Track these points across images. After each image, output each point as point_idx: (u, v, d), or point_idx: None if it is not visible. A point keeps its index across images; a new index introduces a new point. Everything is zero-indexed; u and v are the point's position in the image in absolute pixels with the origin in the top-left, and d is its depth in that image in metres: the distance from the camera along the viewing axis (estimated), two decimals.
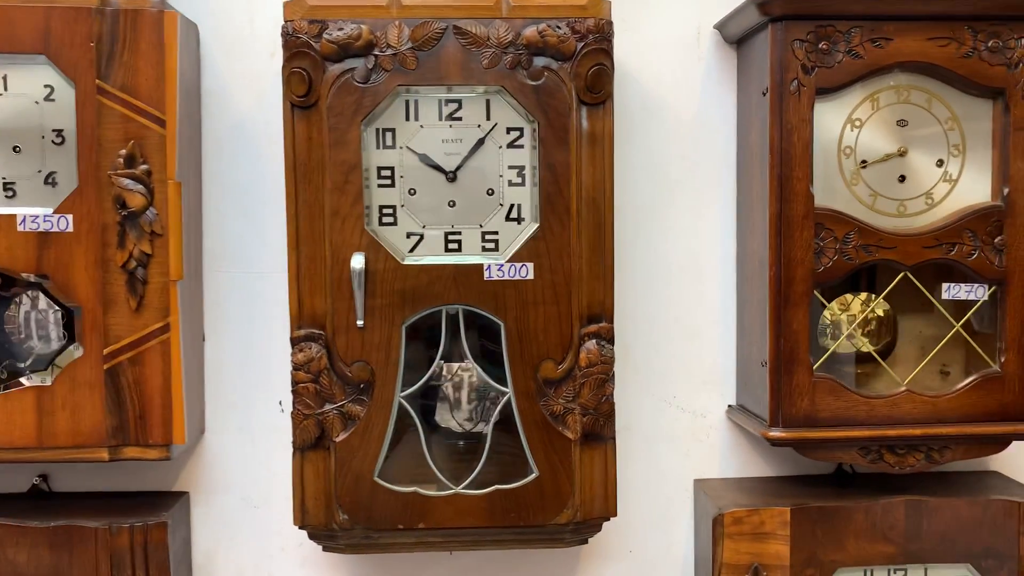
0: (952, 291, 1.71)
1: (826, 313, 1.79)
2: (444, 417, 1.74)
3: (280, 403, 1.85)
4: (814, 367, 1.69)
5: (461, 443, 1.75)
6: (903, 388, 1.70)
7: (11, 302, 1.67)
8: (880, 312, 1.81)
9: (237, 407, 1.85)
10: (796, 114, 1.65)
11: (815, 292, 1.68)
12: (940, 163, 1.71)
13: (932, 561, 1.71)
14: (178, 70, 1.59)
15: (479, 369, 1.67)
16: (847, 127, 1.70)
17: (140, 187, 1.57)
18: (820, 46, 1.64)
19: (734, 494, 1.81)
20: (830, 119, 1.69)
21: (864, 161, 1.71)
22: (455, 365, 1.72)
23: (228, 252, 1.84)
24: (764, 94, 1.69)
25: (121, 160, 1.57)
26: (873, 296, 1.78)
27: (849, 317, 1.80)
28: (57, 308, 1.66)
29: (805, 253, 1.66)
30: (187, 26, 1.70)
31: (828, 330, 1.80)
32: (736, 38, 1.83)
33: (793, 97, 1.65)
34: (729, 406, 1.90)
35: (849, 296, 1.80)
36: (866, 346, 1.80)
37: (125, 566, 1.62)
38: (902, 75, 1.69)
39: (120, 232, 1.58)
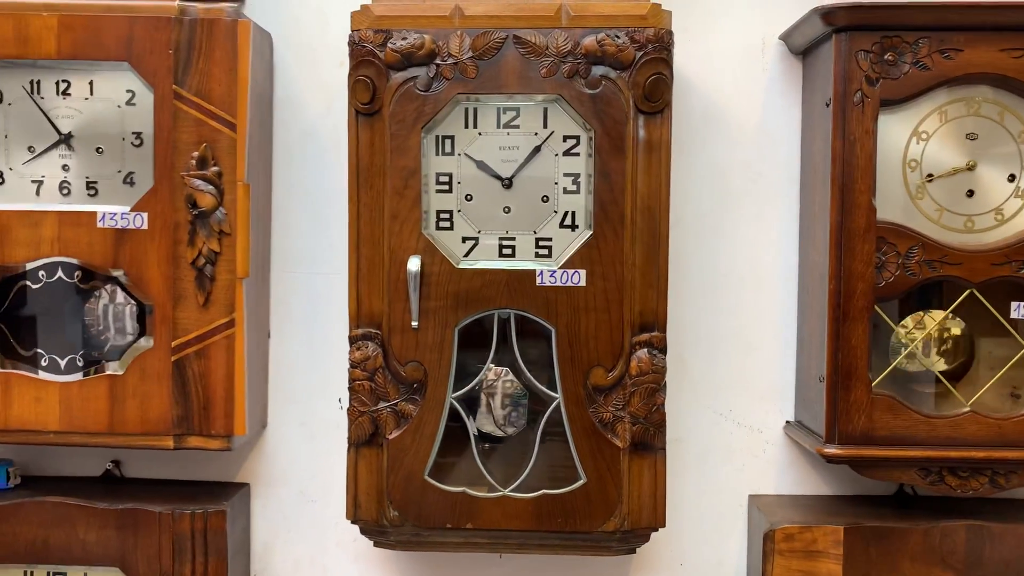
0: (1022, 310, 1.65)
1: (899, 330, 1.74)
2: (492, 418, 1.76)
3: (340, 400, 1.91)
4: (874, 383, 1.65)
5: (510, 447, 1.76)
6: (967, 409, 1.65)
7: (91, 296, 1.77)
8: (956, 331, 1.75)
9: (299, 403, 1.91)
10: (859, 126, 1.62)
11: (876, 307, 1.65)
12: (1012, 178, 1.66)
13: None
14: (250, 77, 1.66)
15: (529, 374, 1.69)
16: (913, 140, 1.66)
17: (210, 188, 1.65)
18: (886, 57, 1.61)
19: (788, 511, 1.78)
20: (895, 131, 1.66)
21: (930, 175, 1.66)
22: (506, 369, 1.74)
23: (295, 253, 1.90)
24: (827, 105, 1.66)
25: (194, 162, 1.65)
26: (950, 316, 1.73)
27: (924, 336, 1.74)
28: (132, 302, 1.75)
29: (866, 267, 1.63)
30: (260, 35, 1.77)
31: (901, 348, 1.74)
32: (801, 49, 1.81)
33: (856, 109, 1.62)
34: (787, 422, 1.87)
35: (921, 313, 1.74)
36: (939, 365, 1.74)
37: (186, 549, 1.69)
38: (972, 87, 1.64)
39: (191, 230, 1.66)
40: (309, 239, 1.90)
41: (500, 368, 1.73)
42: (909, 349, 1.73)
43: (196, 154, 1.65)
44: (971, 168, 1.66)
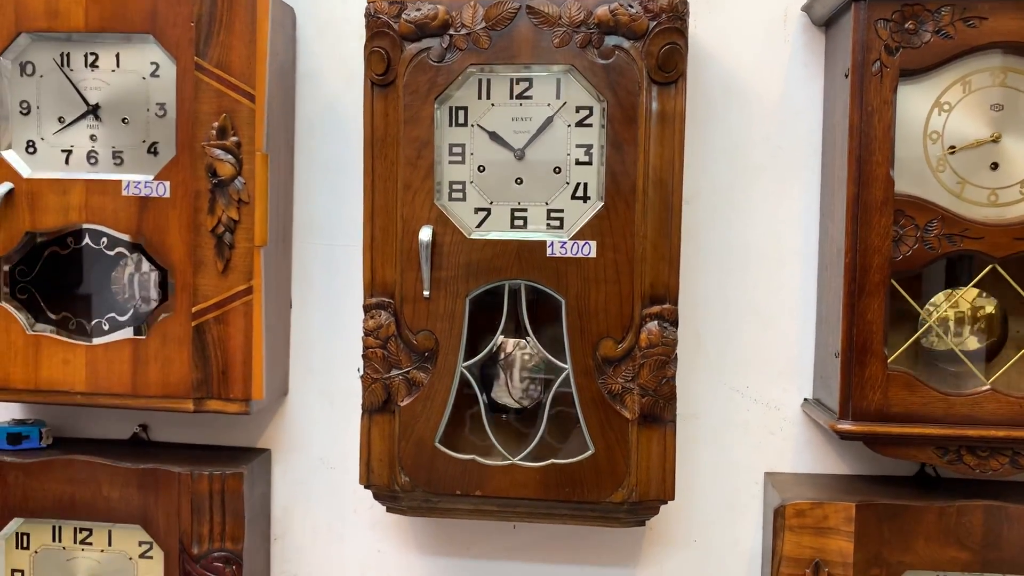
0: None
1: (928, 307, 1.69)
2: (509, 390, 1.77)
3: (358, 369, 1.93)
4: (891, 359, 1.62)
5: (519, 416, 1.78)
6: (987, 387, 1.61)
7: (117, 263, 1.82)
8: (990, 309, 1.71)
9: (318, 371, 1.95)
10: (877, 96, 1.59)
11: (892, 282, 1.61)
12: None
13: (1012, 572, 1.61)
14: (269, 50, 1.69)
15: (539, 344, 1.69)
16: (934, 111, 1.62)
17: (230, 157, 1.69)
18: (906, 26, 1.58)
19: (803, 488, 1.75)
20: (916, 102, 1.62)
21: (952, 147, 1.62)
22: (515, 340, 1.75)
23: (316, 224, 1.94)
24: (846, 76, 1.63)
25: (214, 132, 1.69)
26: (983, 294, 1.68)
27: (957, 314, 1.70)
28: (156, 269, 1.80)
29: (883, 240, 1.60)
30: (282, 9, 1.80)
31: (934, 328, 1.69)
32: (824, 20, 1.77)
33: (875, 79, 1.59)
34: (805, 399, 1.85)
35: (951, 291, 1.70)
36: (971, 344, 1.69)
37: (204, 509, 1.74)
38: (997, 56, 1.59)
39: (211, 199, 1.70)
40: (329, 210, 1.93)
41: (518, 339, 1.74)
42: (928, 324, 1.68)
43: (216, 124, 1.69)
44: (996, 140, 1.62)
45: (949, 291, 1.70)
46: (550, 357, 1.69)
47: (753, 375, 1.86)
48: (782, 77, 1.83)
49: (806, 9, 1.79)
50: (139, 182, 1.71)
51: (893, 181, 1.59)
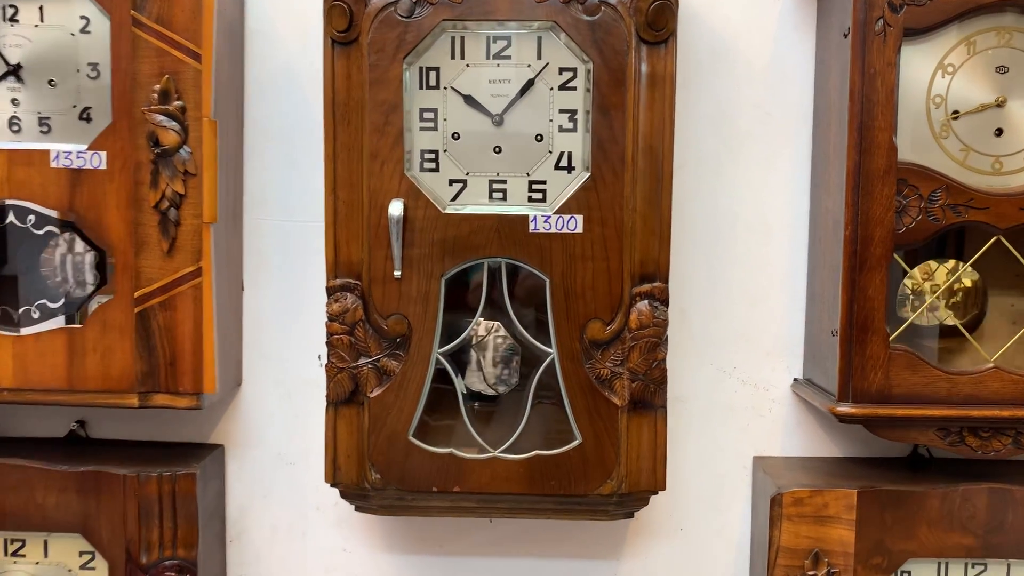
0: None
1: (907, 281, 1.63)
2: (483, 376, 1.65)
3: (319, 357, 1.79)
4: (891, 338, 1.53)
5: (501, 405, 1.65)
6: (991, 365, 1.54)
7: (47, 243, 1.63)
8: (967, 282, 1.64)
9: (275, 360, 1.79)
10: (880, 57, 1.49)
11: (895, 256, 1.52)
12: None
13: (1016, 557, 1.55)
14: (216, 3, 1.51)
15: (522, 328, 1.57)
16: (938, 73, 1.53)
17: (174, 124, 1.51)
18: None
19: (796, 473, 1.67)
20: (919, 64, 1.53)
21: (956, 112, 1.54)
22: (496, 323, 1.62)
23: (270, 199, 1.77)
24: (845, 36, 1.53)
25: (155, 96, 1.51)
26: (960, 264, 1.62)
27: (932, 286, 1.63)
28: (92, 250, 1.62)
29: (885, 212, 1.51)
30: None
31: (909, 300, 1.64)
32: None
33: (878, 38, 1.49)
34: (795, 380, 1.76)
35: (933, 263, 1.64)
36: (951, 319, 1.63)
37: (153, 514, 1.57)
38: (1005, 15, 1.51)
39: (153, 171, 1.52)
40: (285, 183, 1.77)
41: (491, 323, 1.61)
42: (930, 301, 1.61)
43: (158, 87, 1.51)
44: (1000, 104, 1.53)
45: (930, 264, 1.62)
46: (533, 341, 1.56)
47: (740, 355, 1.77)
48: (771, 38, 1.72)
49: None
50: (70, 152, 1.53)
51: (896, 148, 1.50)
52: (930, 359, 1.56)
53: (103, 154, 1.52)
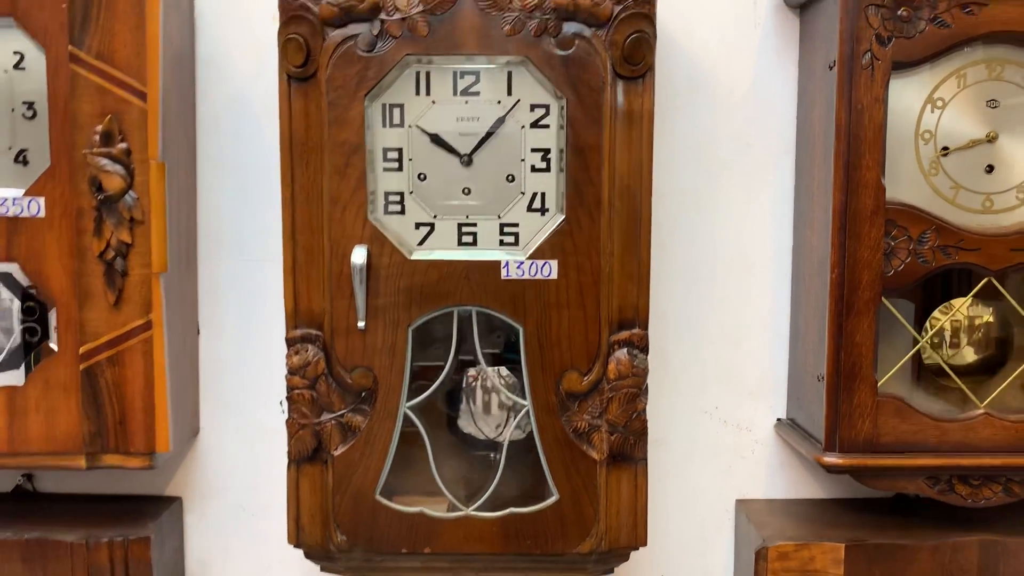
0: None
1: (931, 322, 1.55)
2: (455, 426, 1.57)
3: (281, 403, 1.70)
4: (880, 383, 1.47)
5: (472, 458, 1.57)
6: (981, 411, 1.48)
7: None
8: (988, 318, 1.57)
9: (234, 406, 1.70)
10: (868, 92, 1.42)
11: (883, 299, 1.46)
12: None
13: None
14: (161, 35, 1.41)
15: (494, 379, 1.49)
16: (927, 108, 1.46)
17: (118, 168, 1.41)
18: (900, 13, 1.41)
19: (780, 520, 1.61)
20: (907, 98, 1.46)
21: (946, 148, 1.47)
22: (468, 371, 1.54)
23: (226, 238, 1.67)
24: (831, 68, 1.46)
25: (97, 137, 1.40)
26: (980, 303, 1.55)
27: (953, 324, 1.56)
28: (33, 302, 1.51)
29: (873, 254, 1.44)
30: None
31: (928, 336, 1.55)
32: (799, 2, 1.59)
33: (865, 72, 1.42)
34: (778, 420, 1.70)
35: (957, 301, 1.56)
36: (967, 356, 1.57)
37: None
38: (996, 48, 1.45)
39: (97, 218, 1.42)
40: (240, 220, 1.67)
41: (477, 369, 1.53)
42: (920, 345, 1.55)
43: (100, 128, 1.40)
44: (991, 140, 1.47)
45: (946, 305, 1.56)
46: (507, 392, 1.48)
47: (722, 395, 1.70)
48: (752, 66, 1.65)
49: None
50: (5, 199, 1.42)
51: (884, 188, 1.43)
52: (940, 403, 1.50)
53: (41, 200, 1.41)
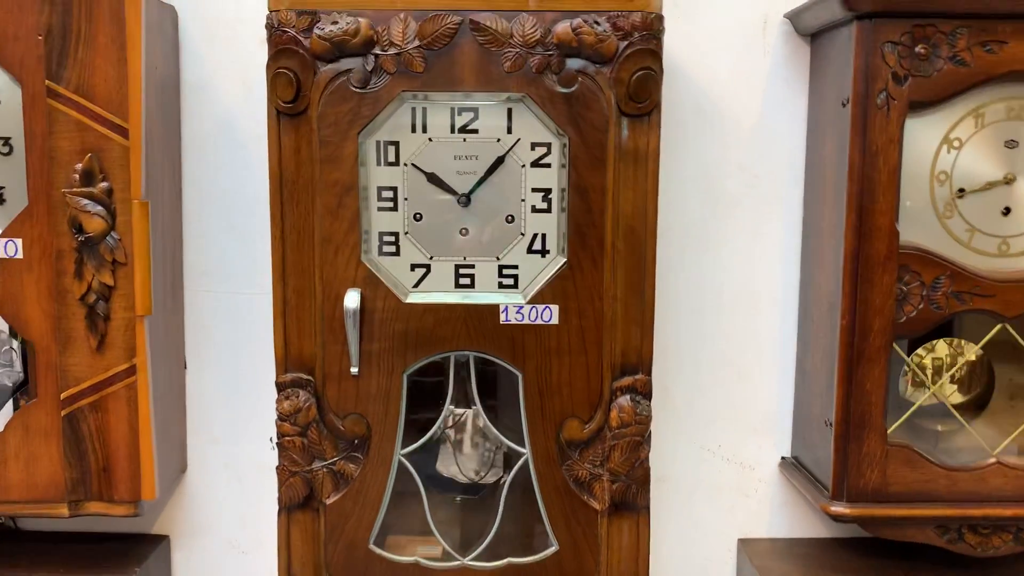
0: None
1: (911, 360, 1.51)
2: (450, 472, 1.52)
3: (271, 439, 1.65)
4: (890, 431, 1.43)
5: (470, 507, 1.53)
6: (992, 459, 1.44)
7: None
8: (971, 357, 1.54)
9: (222, 442, 1.65)
10: (883, 133, 1.36)
11: (894, 345, 1.41)
12: None
13: None
14: (144, 67, 1.34)
15: (492, 427, 1.44)
16: (943, 148, 1.41)
17: (99, 208, 1.34)
18: (917, 50, 1.35)
19: (783, 562, 1.57)
20: (923, 138, 1.40)
21: (962, 189, 1.42)
22: (464, 413, 1.49)
23: (213, 269, 1.61)
24: (844, 105, 1.40)
25: (77, 176, 1.34)
26: (963, 342, 1.51)
27: (935, 361, 1.52)
28: (12, 347, 1.45)
29: (885, 300, 1.39)
30: (160, 10, 1.45)
31: (907, 374, 1.52)
32: (812, 31, 1.53)
33: (880, 112, 1.36)
34: (782, 458, 1.66)
35: (935, 343, 1.52)
36: (953, 396, 1.53)
37: None
38: (1015, 86, 1.39)
39: (77, 260, 1.36)
40: (230, 253, 1.61)
41: (473, 412, 1.48)
42: (934, 388, 1.50)
43: (80, 166, 1.34)
44: (1009, 181, 1.42)
45: (931, 344, 1.52)
46: (505, 440, 1.44)
47: (725, 432, 1.66)
48: (760, 95, 1.59)
49: (791, 17, 1.54)
50: None
51: (898, 233, 1.38)
52: (932, 442, 1.46)
53: (19, 241, 1.35)
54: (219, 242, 1.60)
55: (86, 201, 1.34)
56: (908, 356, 1.50)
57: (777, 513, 1.67)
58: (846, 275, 1.40)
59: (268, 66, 1.34)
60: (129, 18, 1.31)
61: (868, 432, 1.42)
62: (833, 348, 1.43)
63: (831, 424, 1.44)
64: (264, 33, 1.53)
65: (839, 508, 1.43)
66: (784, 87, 1.58)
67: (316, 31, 1.32)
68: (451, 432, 1.51)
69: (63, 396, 1.38)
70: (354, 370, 1.38)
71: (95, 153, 1.33)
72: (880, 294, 1.39)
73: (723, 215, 1.61)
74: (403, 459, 1.42)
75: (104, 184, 1.34)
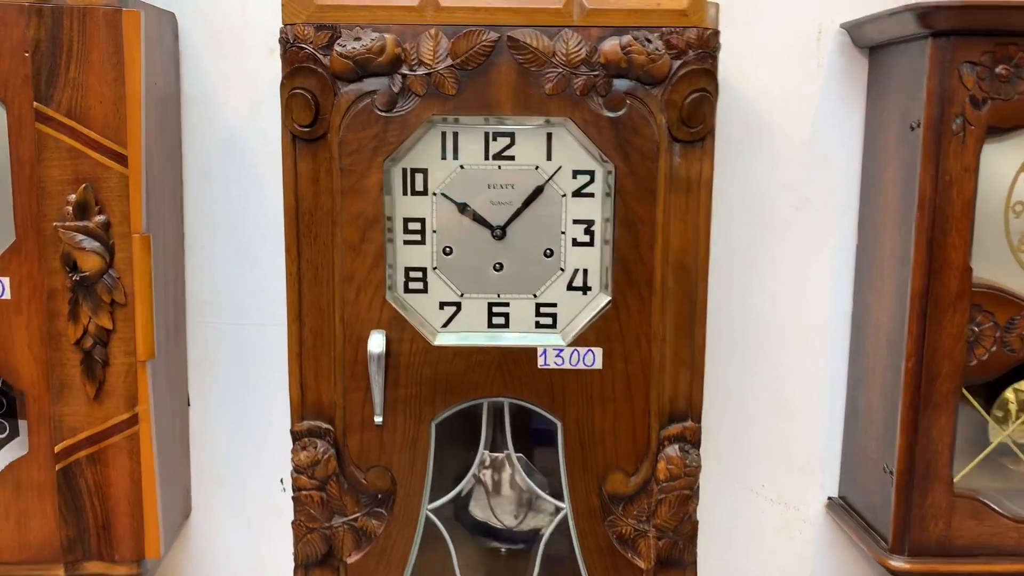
0: None
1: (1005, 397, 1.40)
2: (483, 516, 1.41)
3: (282, 481, 1.53)
4: (956, 479, 1.33)
5: (501, 557, 1.42)
6: None
7: None
8: None
9: (229, 484, 1.53)
10: (958, 161, 1.25)
11: (963, 391, 1.31)
12: None
13: None
14: (144, 85, 1.20)
15: (528, 479, 1.32)
16: (1020, 176, 1.29)
17: (95, 244, 1.21)
18: (997, 71, 1.23)
19: None
20: (999, 166, 1.29)
21: None
22: (499, 457, 1.38)
23: (217, 299, 1.48)
24: (913, 128, 1.28)
25: (70, 208, 1.20)
26: None
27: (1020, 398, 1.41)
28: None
29: (955, 343, 1.28)
30: (159, 20, 1.30)
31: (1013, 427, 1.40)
32: (872, 43, 1.41)
33: (955, 139, 1.24)
34: (829, 499, 1.55)
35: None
36: None
37: None
38: None
39: (72, 301, 1.22)
40: (234, 280, 1.48)
41: (506, 459, 1.37)
42: (1009, 431, 1.40)
43: (73, 197, 1.20)
44: None
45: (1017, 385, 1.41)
46: (543, 494, 1.32)
47: (770, 471, 1.55)
48: (812, 110, 1.47)
49: (849, 28, 1.42)
50: None
51: (971, 270, 1.27)
52: (1011, 480, 1.36)
53: (5, 280, 1.22)
54: (224, 270, 1.47)
55: (81, 236, 1.20)
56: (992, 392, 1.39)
57: (823, 556, 1.57)
58: (913, 315, 1.28)
59: (283, 85, 1.20)
60: (127, 32, 1.17)
61: (934, 483, 1.31)
62: (895, 390, 1.32)
63: (891, 472, 1.34)
64: (273, 42, 1.40)
65: (900, 563, 1.33)
66: (839, 103, 1.46)
67: (337, 48, 1.19)
68: (487, 472, 1.40)
69: (57, 449, 1.26)
70: (378, 419, 1.26)
71: (90, 183, 1.20)
72: (950, 336, 1.28)
73: (771, 239, 1.49)
74: (431, 514, 1.30)
75: (100, 217, 1.21)
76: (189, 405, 1.50)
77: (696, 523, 1.32)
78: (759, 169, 1.48)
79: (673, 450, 1.29)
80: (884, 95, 1.39)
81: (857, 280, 1.48)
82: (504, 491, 1.41)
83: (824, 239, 1.49)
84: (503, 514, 1.42)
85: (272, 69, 1.42)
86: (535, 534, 1.37)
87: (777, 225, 1.49)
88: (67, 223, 1.20)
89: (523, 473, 1.32)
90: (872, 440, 1.42)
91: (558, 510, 1.31)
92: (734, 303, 1.51)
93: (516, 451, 1.33)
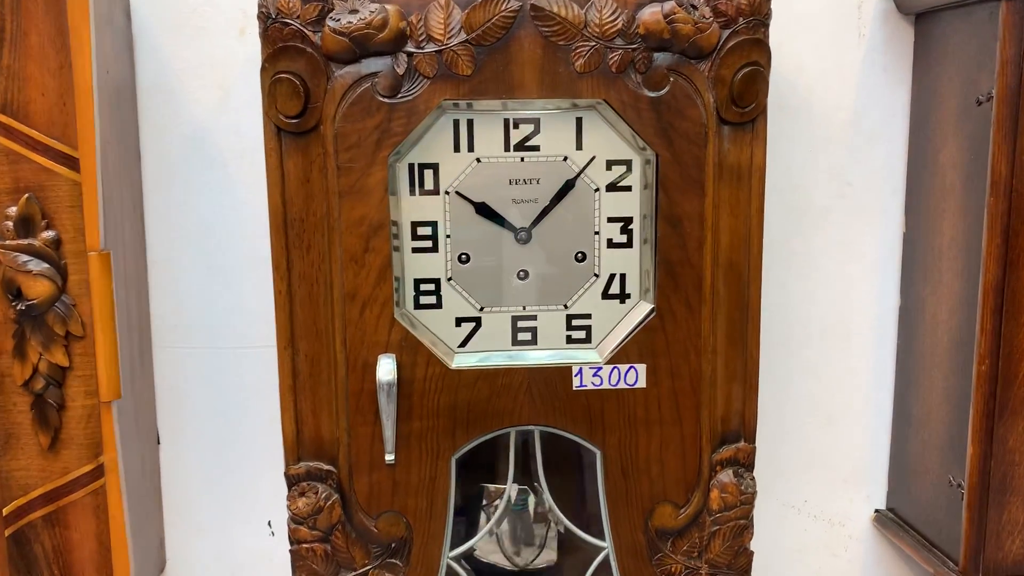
0: None
1: None
2: (492, 543, 1.25)
3: (270, 523, 1.34)
4: None
5: None
6: None
7: None
8: None
9: (208, 531, 1.34)
10: None
11: None
12: None
13: None
14: (95, 71, 1.00)
15: (563, 516, 1.16)
16: None
17: (44, 266, 1.01)
18: None
19: None
20: None
21: None
22: (527, 494, 1.21)
23: (186, 321, 1.29)
24: (980, 103, 1.14)
25: (11, 224, 0.99)
26: None
27: None
28: None
29: None
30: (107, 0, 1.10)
31: None
32: (919, 10, 1.26)
33: None
34: (876, 511, 1.42)
35: None
36: None
37: None
38: None
39: (17, 334, 1.02)
40: (206, 299, 1.28)
41: (537, 495, 1.21)
42: None
43: (14, 211, 0.99)
44: None
45: None
46: (579, 532, 1.16)
47: (812, 484, 1.41)
48: (853, 86, 1.32)
49: None
50: None
51: None
52: None
53: None
54: (193, 287, 1.27)
55: (25, 257, 1.00)
56: None
57: (870, 574, 1.44)
58: (987, 311, 1.15)
59: (264, 70, 1.01)
60: (72, 10, 0.96)
61: (1010, 497, 1.18)
62: (962, 395, 1.19)
63: (960, 486, 1.20)
64: (245, 19, 1.21)
65: None
66: (882, 76, 1.31)
67: (329, 23, 1.00)
68: (515, 528, 1.23)
69: (6, 511, 1.05)
70: (389, 457, 1.08)
71: (33, 192, 0.99)
72: None
73: (811, 230, 1.35)
74: (452, 563, 1.13)
75: (49, 233, 1.00)
76: (159, 443, 1.30)
77: (751, 554, 1.17)
78: (795, 152, 1.33)
79: (727, 476, 1.14)
80: (937, 66, 1.24)
81: (905, 272, 1.34)
82: (533, 530, 1.25)
83: (868, 227, 1.35)
84: (514, 554, 1.26)
85: (244, 51, 1.22)
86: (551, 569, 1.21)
87: (817, 214, 1.34)
88: (7, 242, 1.00)
89: (557, 510, 1.15)
90: (932, 449, 1.28)
91: (598, 550, 1.14)
92: (769, 299, 1.35)
93: (547, 484, 1.16)
